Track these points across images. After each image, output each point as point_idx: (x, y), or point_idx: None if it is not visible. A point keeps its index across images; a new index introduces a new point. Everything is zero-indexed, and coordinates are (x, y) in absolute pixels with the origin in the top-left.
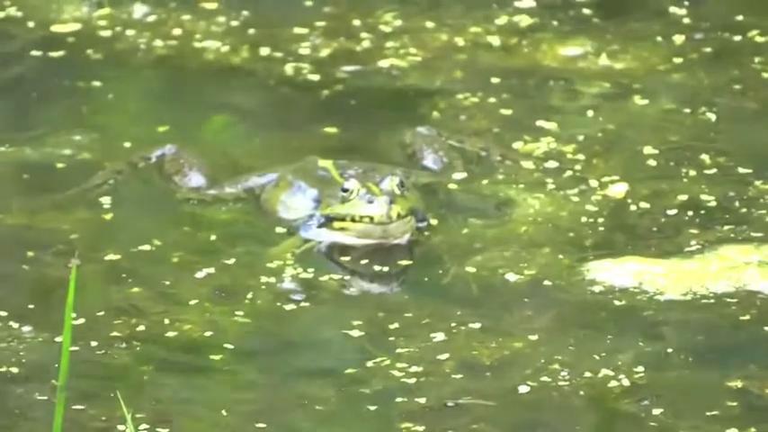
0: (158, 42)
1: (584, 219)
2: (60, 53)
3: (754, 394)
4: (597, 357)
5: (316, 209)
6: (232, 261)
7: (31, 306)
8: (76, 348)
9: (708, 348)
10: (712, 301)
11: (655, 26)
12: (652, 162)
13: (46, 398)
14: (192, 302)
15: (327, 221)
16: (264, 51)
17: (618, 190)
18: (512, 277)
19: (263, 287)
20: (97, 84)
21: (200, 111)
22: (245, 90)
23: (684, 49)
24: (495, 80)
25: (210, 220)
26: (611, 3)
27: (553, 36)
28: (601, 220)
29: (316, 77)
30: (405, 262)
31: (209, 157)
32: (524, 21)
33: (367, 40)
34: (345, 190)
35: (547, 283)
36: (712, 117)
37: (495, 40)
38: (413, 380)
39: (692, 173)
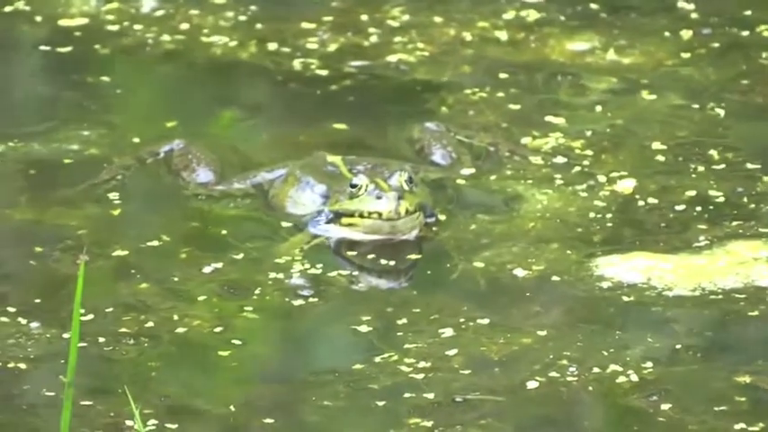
0: (166, 37)
1: (592, 214)
2: (68, 48)
3: (762, 389)
4: (606, 353)
5: (324, 204)
6: (240, 256)
7: (39, 302)
8: (84, 344)
9: (716, 344)
10: (720, 296)
11: (662, 21)
12: (660, 157)
13: (54, 394)
14: (201, 298)
15: (336, 217)
16: (272, 46)
17: (626, 185)
18: (520, 273)
19: (272, 283)
20: (105, 79)
21: (209, 106)
22: (253, 85)
23: (692, 44)
24: (502, 75)
25: (219, 215)
26: None
27: (561, 31)
28: (609, 215)
29: (324, 72)
30: (413, 257)
31: (218, 153)
32: (532, 15)
33: (375, 35)
34: (354, 186)
35: (555, 278)
36: (720, 112)
37: (502, 35)
38: (421, 375)
39: (701, 168)
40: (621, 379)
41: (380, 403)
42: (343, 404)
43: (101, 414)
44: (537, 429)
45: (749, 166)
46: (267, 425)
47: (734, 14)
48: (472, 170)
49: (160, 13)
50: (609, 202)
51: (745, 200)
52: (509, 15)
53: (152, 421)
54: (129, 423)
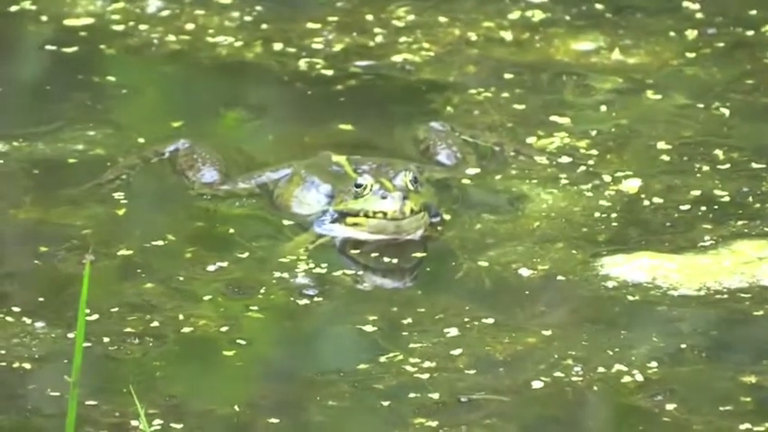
0: (171, 37)
1: (597, 214)
2: (73, 48)
3: (767, 389)
4: (611, 352)
5: (329, 204)
6: (246, 256)
7: (44, 301)
8: (89, 344)
9: (721, 344)
10: (726, 296)
11: (667, 21)
12: (665, 157)
13: (59, 393)
14: (206, 298)
15: (341, 217)
16: (278, 46)
17: (631, 185)
18: (525, 272)
19: (277, 282)
20: (110, 79)
21: (214, 106)
22: (258, 85)
23: (697, 44)
24: (507, 75)
25: (224, 215)
26: None
27: (566, 31)
28: (614, 215)
29: (329, 72)
30: (417, 257)
31: (223, 153)
32: (537, 15)
33: (380, 35)
34: (359, 185)
35: (560, 278)
36: (725, 112)
37: (507, 35)
38: (426, 375)
39: (706, 168)
40: (626, 379)
41: (385, 403)
42: (347, 404)
43: (106, 414)
44: (542, 429)
45: (754, 165)
46: (272, 425)
47: (739, 14)
48: (477, 170)
49: (165, 13)
50: (614, 202)
51: (751, 199)
52: (514, 15)
53: (157, 421)
54: (134, 423)
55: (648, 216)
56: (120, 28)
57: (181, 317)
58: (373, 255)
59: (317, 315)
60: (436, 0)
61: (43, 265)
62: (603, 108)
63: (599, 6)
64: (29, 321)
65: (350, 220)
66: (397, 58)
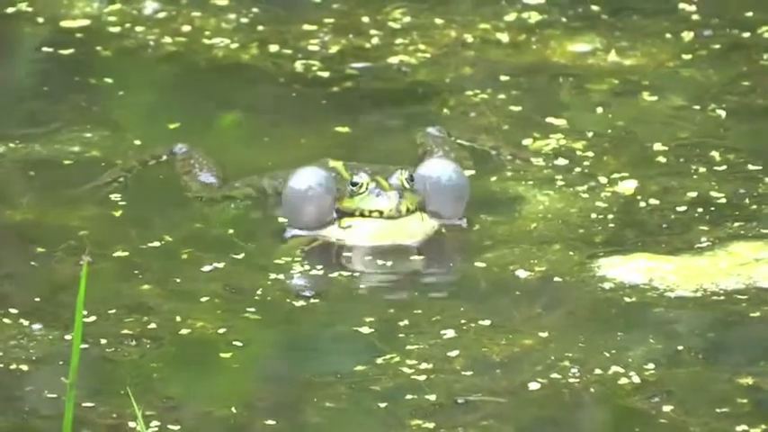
0: (167, 39)
1: (594, 215)
2: (70, 50)
3: (764, 391)
4: (607, 354)
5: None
6: (242, 257)
7: (41, 303)
8: (87, 346)
9: (718, 345)
10: (722, 297)
11: (664, 22)
12: (661, 159)
13: (56, 395)
14: (203, 299)
15: (337, 216)
16: (274, 48)
17: (627, 186)
18: (522, 274)
19: (274, 284)
20: (107, 80)
21: (211, 108)
22: (254, 87)
23: (693, 46)
24: (504, 77)
25: (220, 217)
26: None
27: (562, 33)
28: (611, 216)
29: (325, 74)
30: (414, 259)
31: (220, 155)
32: (533, 17)
33: (376, 36)
34: (355, 184)
35: (557, 279)
36: (722, 114)
37: (503, 37)
38: (423, 377)
39: (702, 170)
40: (623, 380)
41: (382, 405)
42: (344, 405)
43: (103, 415)
44: (539, 431)
45: (750, 167)
46: (269, 426)
47: (735, 16)
48: (473, 172)
49: (162, 14)
50: (610, 204)
51: (747, 201)
52: (510, 17)
53: (154, 423)
54: (131, 425)
55: (645, 217)
56: (116, 30)
57: (178, 318)
58: (370, 256)
59: (313, 317)
60: (432, 2)
61: (40, 266)
62: (600, 110)
63: (595, 8)
64: (26, 323)
65: (346, 219)
66: (394, 60)
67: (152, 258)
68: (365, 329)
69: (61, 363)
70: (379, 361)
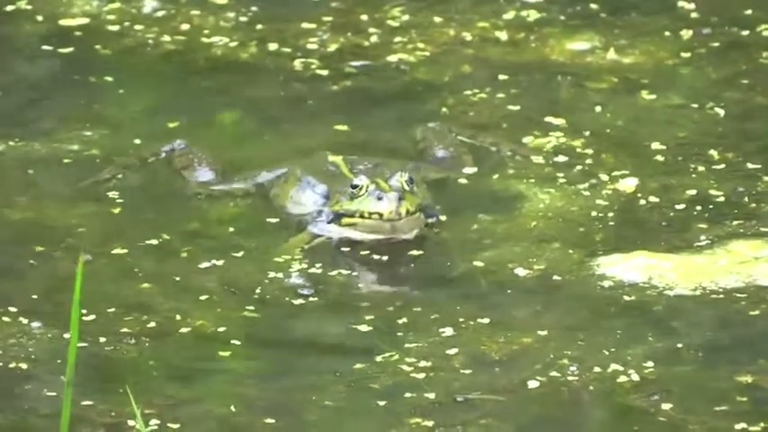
0: (166, 38)
1: (593, 213)
2: (69, 48)
3: (764, 389)
4: (606, 352)
5: (325, 205)
6: (241, 255)
7: (40, 302)
8: (86, 344)
9: (717, 343)
10: (722, 296)
11: (662, 20)
12: (660, 157)
13: (55, 394)
14: (202, 297)
15: (336, 217)
16: (273, 47)
17: (628, 184)
18: (521, 272)
19: (273, 282)
20: (107, 79)
21: (210, 106)
22: (254, 85)
23: (692, 44)
24: (503, 75)
25: (219, 215)
26: None
27: (561, 31)
28: (610, 214)
29: (324, 72)
30: (413, 257)
31: (219, 152)
32: (532, 15)
33: (375, 35)
34: (355, 186)
35: (556, 277)
36: (720, 112)
37: (502, 35)
38: (422, 375)
39: (701, 168)
40: (622, 378)
41: (381, 403)
42: (344, 404)
43: (102, 414)
44: (538, 429)
45: (749, 165)
46: (268, 425)
47: (734, 14)
48: (474, 170)
49: (161, 13)
50: (610, 202)
51: (746, 199)
52: (509, 15)
53: (153, 421)
54: (130, 423)
55: (644, 216)
56: (115, 28)
57: (177, 317)
58: (369, 255)
59: (312, 315)
60: (431, 0)
61: (39, 264)
62: (599, 108)
63: (594, 6)
64: (25, 321)
65: (346, 220)
66: (392, 58)
67: (151, 256)
68: (364, 327)
69: (60, 361)
70: (379, 359)
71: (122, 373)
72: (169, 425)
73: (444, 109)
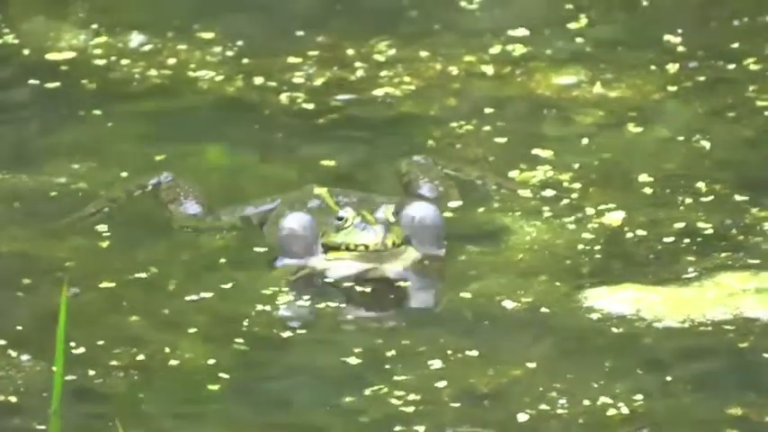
0: (153, 72)
1: (580, 246)
2: (56, 83)
3: (753, 422)
4: (596, 385)
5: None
6: (229, 287)
7: (29, 335)
8: (75, 377)
9: (706, 376)
10: (710, 328)
11: (649, 54)
12: (648, 190)
13: (44, 427)
14: (191, 330)
15: (323, 250)
16: (259, 81)
17: (615, 217)
18: (509, 305)
19: (261, 315)
20: (95, 113)
21: (196, 140)
22: (240, 119)
23: (679, 78)
24: (489, 109)
25: (206, 247)
26: (604, 31)
27: (547, 65)
28: (597, 247)
29: (310, 106)
30: (401, 289)
31: (205, 186)
32: (518, 50)
33: (361, 69)
34: (340, 218)
35: (544, 310)
36: (707, 145)
37: (488, 69)
38: (411, 408)
39: (689, 200)
40: (612, 411)
41: None
42: None
43: None
44: None
45: (737, 197)
46: None
47: (721, 48)
48: (460, 203)
49: (148, 47)
50: (597, 235)
51: (734, 231)
52: (495, 50)
53: None
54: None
55: (632, 248)
56: (102, 62)
57: (166, 350)
58: (356, 287)
59: (300, 347)
60: (417, 34)
61: (27, 297)
62: (585, 141)
63: (580, 40)
64: (14, 354)
65: (332, 253)
66: (379, 92)
67: (139, 289)
68: (352, 360)
69: (48, 394)
70: (367, 392)
71: (111, 406)
72: None
73: (431, 142)
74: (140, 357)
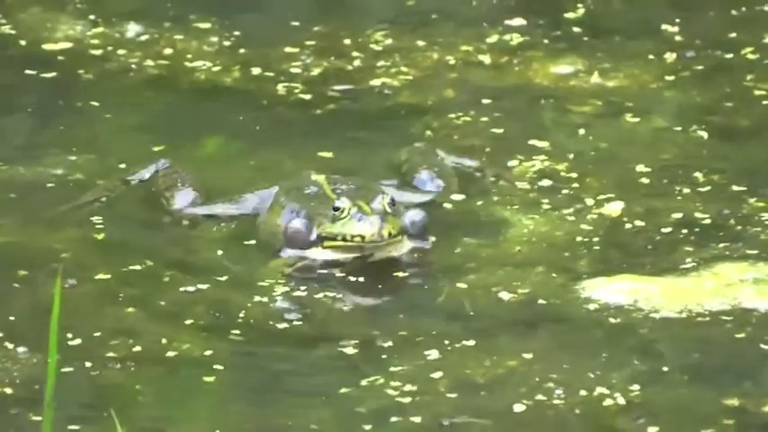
0: (150, 62)
1: (578, 237)
2: (53, 73)
3: (750, 412)
4: (592, 375)
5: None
6: (225, 279)
7: (25, 326)
8: (71, 368)
9: (703, 366)
10: (707, 318)
11: (646, 44)
12: (645, 180)
13: (41, 418)
14: (187, 322)
15: (319, 240)
16: (256, 71)
17: (614, 208)
18: (506, 296)
19: (257, 306)
20: (92, 104)
21: (193, 131)
22: (237, 110)
23: (676, 67)
24: (486, 99)
25: (203, 238)
26: (601, 20)
27: (544, 54)
28: (595, 238)
29: (307, 97)
30: (398, 280)
31: (203, 176)
32: (515, 39)
33: (358, 59)
34: (336, 209)
35: (541, 301)
36: (704, 135)
37: (486, 59)
38: (407, 399)
39: (686, 190)
40: (608, 402)
41: (367, 427)
42: (329, 428)
43: None
44: None
45: (735, 188)
46: None
47: (718, 37)
48: (459, 194)
49: (144, 37)
50: (595, 226)
51: (732, 222)
52: (492, 39)
53: None
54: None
55: (629, 239)
56: (98, 52)
57: (163, 341)
58: (353, 278)
59: (296, 338)
60: (414, 24)
61: (23, 288)
62: (583, 131)
63: (577, 29)
64: (10, 346)
65: (328, 243)
66: (376, 82)
67: (135, 281)
68: (349, 351)
69: (43, 386)
70: (364, 383)
71: (108, 398)
72: None
73: (428, 132)
74: (137, 349)
